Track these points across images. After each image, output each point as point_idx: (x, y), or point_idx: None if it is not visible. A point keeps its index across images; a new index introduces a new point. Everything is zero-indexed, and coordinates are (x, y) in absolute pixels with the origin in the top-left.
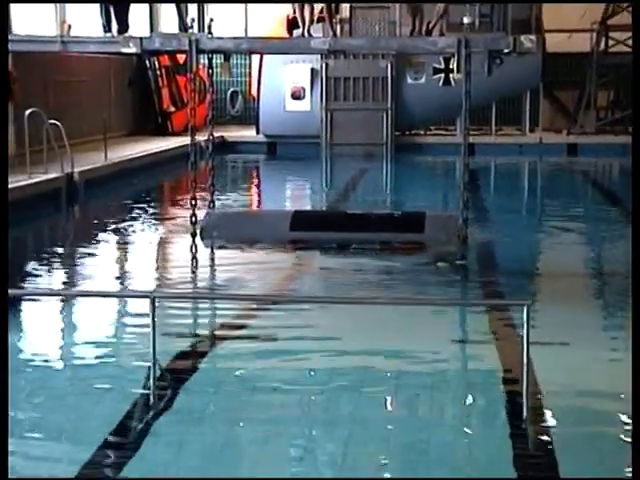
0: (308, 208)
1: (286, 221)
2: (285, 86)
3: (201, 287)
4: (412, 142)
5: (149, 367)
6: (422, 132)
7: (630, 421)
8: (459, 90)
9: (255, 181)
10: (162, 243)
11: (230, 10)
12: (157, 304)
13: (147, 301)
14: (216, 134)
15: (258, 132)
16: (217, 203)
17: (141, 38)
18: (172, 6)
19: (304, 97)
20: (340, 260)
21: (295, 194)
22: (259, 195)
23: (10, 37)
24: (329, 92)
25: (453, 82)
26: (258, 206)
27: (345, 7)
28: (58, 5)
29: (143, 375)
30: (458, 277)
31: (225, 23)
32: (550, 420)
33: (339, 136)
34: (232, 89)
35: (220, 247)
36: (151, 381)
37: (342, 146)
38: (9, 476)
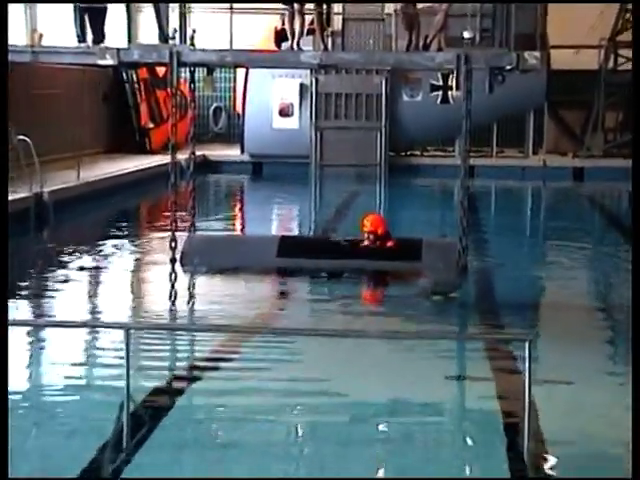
0: (296, 233)
1: (273, 247)
2: (272, 102)
3: (180, 318)
4: (407, 163)
5: (122, 403)
6: (418, 153)
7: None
8: (458, 109)
9: (239, 204)
10: (138, 270)
11: (214, 21)
12: (132, 336)
13: (121, 332)
14: (198, 153)
15: (243, 151)
16: (198, 227)
17: (118, 49)
18: (152, 16)
19: (292, 114)
20: (330, 289)
21: (282, 218)
22: (243, 219)
23: None
24: (319, 109)
25: (452, 100)
26: (242, 231)
27: (337, 19)
28: (28, 12)
29: (116, 412)
30: (455, 308)
31: (209, 34)
32: (553, 468)
33: (329, 156)
34: (215, 105)
35: (201, 274)
36: (125, 418)
37: (333, 167)
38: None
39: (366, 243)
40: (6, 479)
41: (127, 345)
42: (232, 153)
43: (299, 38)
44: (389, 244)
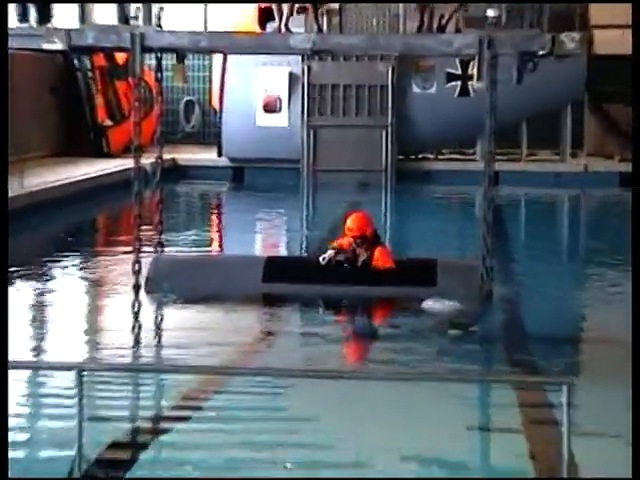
0: (285, 254)
1: (257, 270)
2: (255, 96)
3: (144, 356)
4: (419, 169)
5: (74, 461)
6: (432, 156)
7: None
8: (480, 103)
9: (217, 218)
10: (94, 298)
11: None
12: (85, 378)
13: (72, 374)
14: (166, 156)
15: (220, 154)
16: (167, 246)
17: (69, 31)
18: None
19: (280, 110)
20: (326, 321)
21: (268, 235)
22: (221, 236)
23: None
24: (312, 104)
25: (472, 92)
26: (220, 251)
27: None
28: None
29: (65, 471)
30: (477, 344)
31: (179, 14)
32: None
33: (325, 160)
34: (187, 98)
35: (171, 303)
36: (76, 475)
37: (329, 173)
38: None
39: (355, 251)
40: (6, 479)
41: (80, 389)
42: (207, 156)
43: (288, 18)
44: (382, 254)
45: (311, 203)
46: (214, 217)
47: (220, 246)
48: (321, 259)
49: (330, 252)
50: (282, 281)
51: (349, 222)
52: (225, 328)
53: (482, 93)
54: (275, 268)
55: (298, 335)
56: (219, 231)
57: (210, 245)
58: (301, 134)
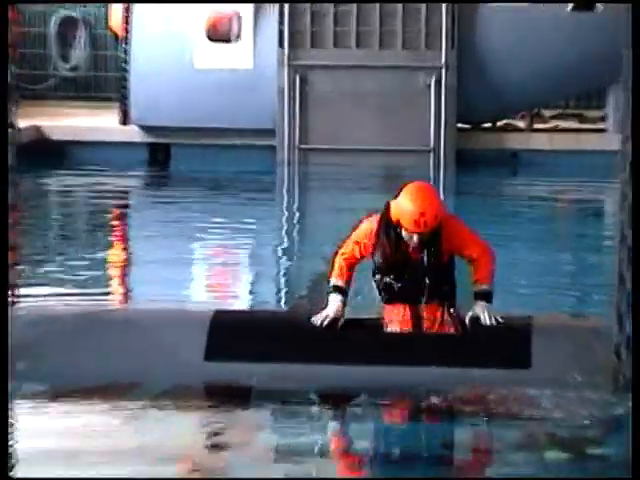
0: (247, 306)
1: (194, 338)
2: (192, 12)
3: None
4: (499, 148)
5: None
6: (522, 124)
7: None
8: (617, 22)
9: (118, 238)
10: None
11: None
12: None
13: None
14: (27, 122)
15: (126, 120)
16: (30, 291)
17: None
18: None
19: (238, 37)
20: (325, 436)
21: (216, 271)
22: (125, 273)
23: None
24: (299, 24)
25: (599, 8)
26: (125, 299)
27: None
28: None
29: None
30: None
31: None
32: None
33: (321, 131)
34: (65, 14)
35: (36, 400)
36: None
37: (328, 155)
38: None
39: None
40: (6, 479)
41: None
42: (102, 124)
43: None
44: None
45: (295, 210)
46: (113, 237)
47: (124, 290)
48: (316, 319)
49: (335, 303)
50: (240, 358)
51: (416, 204)
52: (134, 447)
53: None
54: (229, 334)
55: (271, 460)
56: (123, 263)
57: (108, 287)
58: (278, 83)
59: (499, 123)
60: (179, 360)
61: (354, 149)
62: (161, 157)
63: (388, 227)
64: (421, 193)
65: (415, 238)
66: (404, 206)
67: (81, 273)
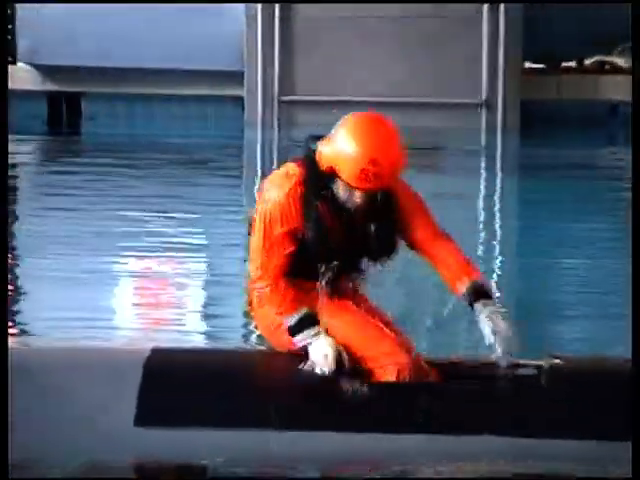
0: (203, 343)
1: (120, 389)
2: None
3: None
4: (585, 97)
5: None
6: (620, 62)
7: None
8: None
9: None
10: None
11: None
12: None
13: None
14: None
15: (15, 58)
16: None
17: None
18: None
19: None
20: None
21: (154, 287)
22: (20, 289)
23: None
24: None
25: None
26: (14, 333)
27: None
28: None
29: None
30: None
31: None
32: None
33: (311, 78)
34: None
35: None
36: None
37: (321, 111)
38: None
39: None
40: (6, 479)
41: None
42: None
43: None
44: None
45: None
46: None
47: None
48: (306, 366)
49: (324, 345)
50: (189, 423)
51: (365, 143)
52: None
53: None
54: (171, 385)
55: None
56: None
57: None
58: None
59: (588, 61)
60: (95, 426)
61: (359, 102)
62: (68, 114)
63: (318, 184)
64: (372, 127)
65: (358, 197)
66: (345, 148)
67: None
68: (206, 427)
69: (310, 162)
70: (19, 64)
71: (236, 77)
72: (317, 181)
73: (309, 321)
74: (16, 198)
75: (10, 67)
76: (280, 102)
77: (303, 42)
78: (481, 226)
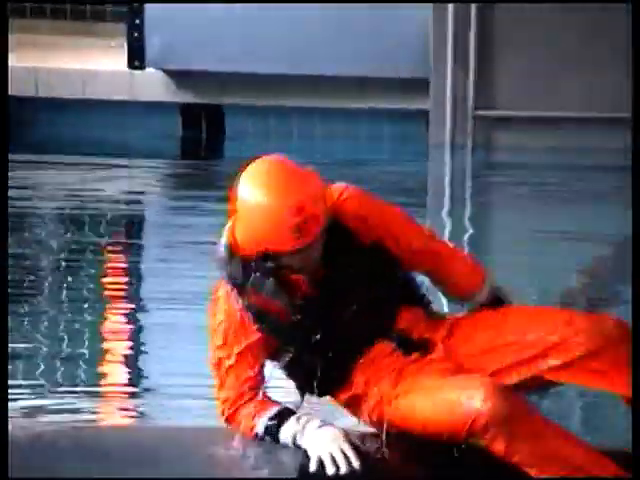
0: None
1: None
2: None
3: None
4: None
5: None
6: None
7: None
8: None
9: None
10: None
11: None
12: None
13: None
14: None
15: (142, 62)
16: None
17: None
18: None
19: None
20: None
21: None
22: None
23: None
24: None
25: None
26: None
27: None
28: None
29: None
30: None
31: None
32: None
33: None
34: None
35: None
36: None
37: (531, 129)
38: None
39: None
40: (6, 479)
41: None
42: (100, 66)
43: None
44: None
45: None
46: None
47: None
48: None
49: (328, 431)
50: None
51: (270, 199)
52: None
53: None
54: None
55: None
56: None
57: None
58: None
59: None
60: None
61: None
62: (208, 131)
63: (246, 266)
64: (269, 177)
65: (296, 260)
66: (249, 215)
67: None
68: None
69: (229, 248)
70: (148, 69)
71: (418, 86)
72: (247, 271)
73: (284, 416)
74: (141, 250)
75: (130, 70)
76: (475, 118)
77: (505, 42)
78: None
